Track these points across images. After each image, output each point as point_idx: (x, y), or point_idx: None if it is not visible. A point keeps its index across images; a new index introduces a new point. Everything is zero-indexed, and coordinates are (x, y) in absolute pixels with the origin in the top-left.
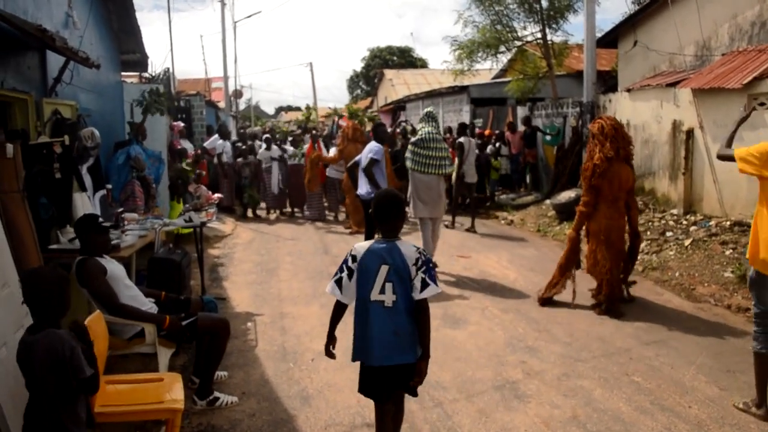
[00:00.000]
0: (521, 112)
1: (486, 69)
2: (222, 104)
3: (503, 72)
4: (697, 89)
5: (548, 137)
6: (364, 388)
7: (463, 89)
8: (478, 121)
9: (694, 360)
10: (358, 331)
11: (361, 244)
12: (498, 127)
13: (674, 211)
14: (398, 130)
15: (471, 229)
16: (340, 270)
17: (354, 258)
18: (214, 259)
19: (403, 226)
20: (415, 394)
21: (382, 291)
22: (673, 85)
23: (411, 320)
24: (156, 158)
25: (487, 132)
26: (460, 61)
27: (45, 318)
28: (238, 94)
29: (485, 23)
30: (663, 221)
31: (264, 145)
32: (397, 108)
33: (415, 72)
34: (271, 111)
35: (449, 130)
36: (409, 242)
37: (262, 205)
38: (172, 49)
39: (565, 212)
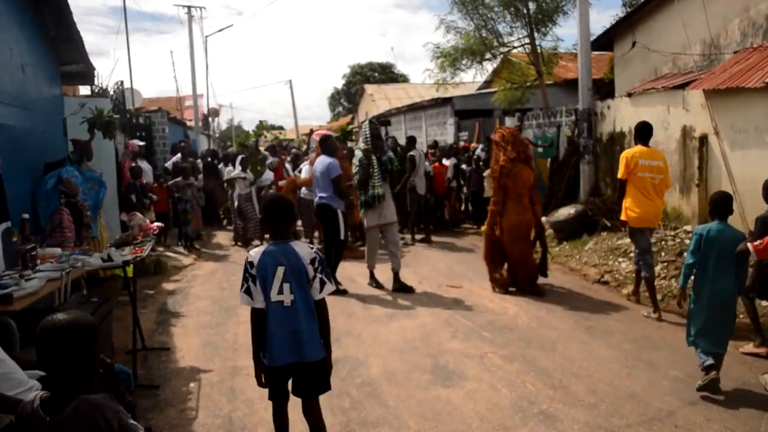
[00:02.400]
0: (510, 122)
1: (469, 82)
2: (191, 123)
3: (487, 84)
4: (710, 91)
5: (540, 149)
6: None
7: (446, 101)
8: (463, 135)
9: (756, 427)
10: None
11: (255, 250)
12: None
13: (688, 228)
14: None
15: (426, 239)
16: (245, 280)
17: (251, 264)
18: (167, 296)
19: (294, 227)
20: (327, 388)
21: (281, 291)
22: (682, 87)
23: (310, 319)
24: (95, 181)
25: (472, 145)
26: (443, 69)
27: (74, 382)
28: (213, 112)
29: (469, 29)
30: (677, 239)
31: (239, 167)
32: (381, 123)
33: (396, 86)
34: (249, 128)
35: (435, 144)
36: (303, 242)
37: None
38: (129, 61)
39: (564, 231)
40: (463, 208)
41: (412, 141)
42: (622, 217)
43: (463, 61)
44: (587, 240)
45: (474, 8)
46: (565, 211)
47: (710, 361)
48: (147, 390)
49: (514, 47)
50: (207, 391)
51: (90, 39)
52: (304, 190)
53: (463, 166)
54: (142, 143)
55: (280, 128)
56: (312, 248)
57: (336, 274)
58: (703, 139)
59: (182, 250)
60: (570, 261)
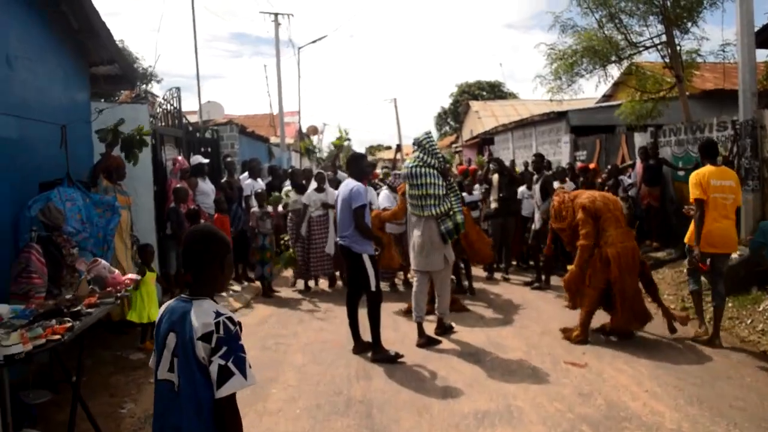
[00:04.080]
0: (640, 139)
1: (585, 98)
2: (274, 139)
3: (606, 98)
4: None
5: (681, 172)
6: None
7: (560, 116)
8: (581, 154)
9: None
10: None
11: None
12: (608, 160)
13: None
14: (492, 166)
15: (537, 286)
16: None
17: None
18: None
19: (219, 276)
20: None
21: (171, 368)
22: None
23: (196, 419)
24: (107, 207)
25: (591, 166)
26: (558, 76)
27: None
28: (312, 130)
29: (591, 27)
30: None
31: (314, 185)
32: (483, 142)
33: (504, 103)
34: (361, 150)
35: (548, 165)
36: (212, 304)
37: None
38: (198, 69)
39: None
40: None
41: (540, 159)
42: (687, 241)
43: (583, 65)
44: (761, 297)
45: (597, 4)
46: None
47: None
48: None
49: (646, 47)
50: None
51: (211, 62)
52: (389, 225)
53: None
54: (206, 160)
55: (388, 148)
56: (217, 314)
57: (380, 336)
58: None
59: (236, 289)
60: (737, 326)
